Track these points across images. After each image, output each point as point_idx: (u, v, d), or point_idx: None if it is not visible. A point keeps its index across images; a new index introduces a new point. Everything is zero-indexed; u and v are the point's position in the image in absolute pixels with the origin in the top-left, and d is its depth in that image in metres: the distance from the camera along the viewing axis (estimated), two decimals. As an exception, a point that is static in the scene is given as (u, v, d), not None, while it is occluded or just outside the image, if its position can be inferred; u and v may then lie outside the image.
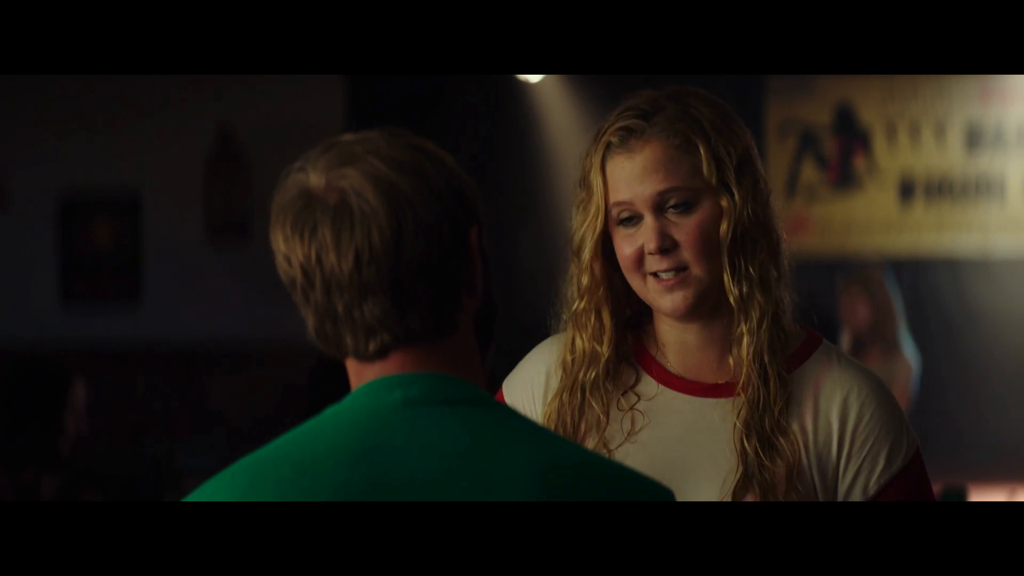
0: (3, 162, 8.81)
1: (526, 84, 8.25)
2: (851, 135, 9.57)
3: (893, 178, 9.53)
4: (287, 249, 1.65)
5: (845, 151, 9.58)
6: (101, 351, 8.78)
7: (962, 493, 5.20)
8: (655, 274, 2.18)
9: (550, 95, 8.27)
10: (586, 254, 2.22)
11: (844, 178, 9.59)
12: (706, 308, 2.19)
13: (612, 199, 2.19)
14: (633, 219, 2.19)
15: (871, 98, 9.49)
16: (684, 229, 2.16)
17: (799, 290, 2.27)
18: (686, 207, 2.16)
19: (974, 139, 9.42)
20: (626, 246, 2.19)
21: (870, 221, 9.56)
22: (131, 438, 8.34)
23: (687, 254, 2.16)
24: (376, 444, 1.60)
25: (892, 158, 9.53)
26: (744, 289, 2.17)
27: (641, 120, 2.18)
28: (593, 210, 2.20)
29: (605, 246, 2.22)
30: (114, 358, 8.82)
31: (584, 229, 2.22)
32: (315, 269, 1.63)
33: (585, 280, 2.23)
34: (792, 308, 2.24)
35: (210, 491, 1.64)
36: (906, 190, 9.52)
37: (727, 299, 2.19)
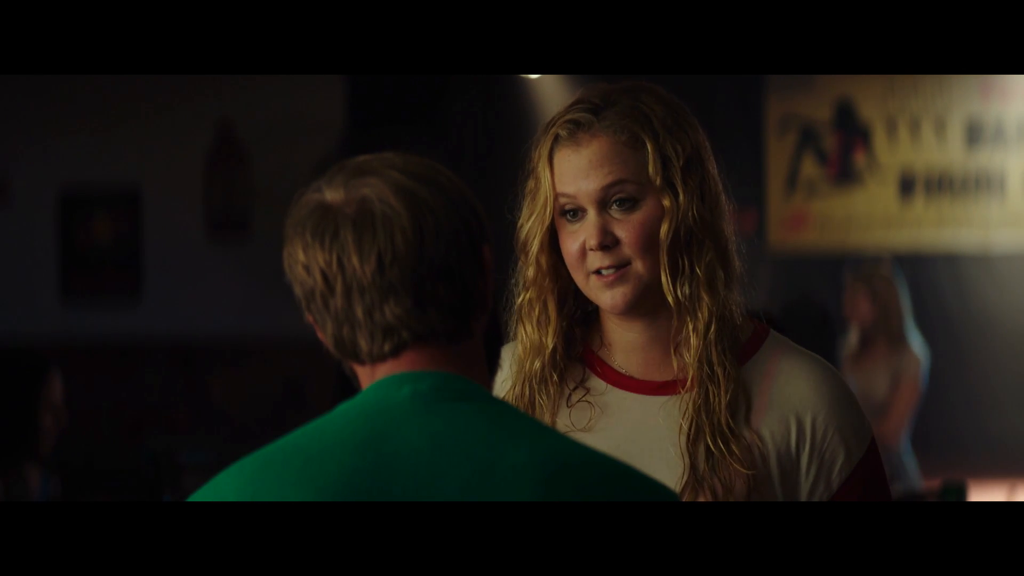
0: (3, 158, 8.81)
1: (526, 81, 8.25)
2: (851, 131, 9.58)
3: (893, 174, 9.54)
4: (307, 258, 1.66)
5: (845, 147, 9.59)
6: (101, 347, 8.79)
7: (962, 489, 5.19)
8: (597, 271, 2.17)
9: (550, 92, 8.27)
10: (534, 247, 2.21)
11: (844, 174, 9.60)
12: (648, 306, 2.18)
13: (558, 191, 2.18)
14: (577, 213, 2.17)
15: (871, 94, 9.50)
16: (627, 226, 2.15)
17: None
18: (631, 204, 2.15)
19: (974, 135, 9.43)
20: (571, 242, 2.18)
21: (870, 216, 9.56)
22: (131, 434, 8.35)
23: (628, 251, 2.15)
24: (383, 434, 1.62)
25: (892, 154, 9.53)
26: (689, 290, 2.16)
27: (590, 114, 2.17)
28: (541, 202, 2.19)
29: (552, 239, 2.21)
30: (114, 354, 8.83)
31: (532, 222, 2.21)
32: (336, 274, 1.64)
33: (531, 272, 2.22)
34: (742, 305, 2.22)
35: (220, 482, 1.66)
36: (906, 186, 9.52)
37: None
